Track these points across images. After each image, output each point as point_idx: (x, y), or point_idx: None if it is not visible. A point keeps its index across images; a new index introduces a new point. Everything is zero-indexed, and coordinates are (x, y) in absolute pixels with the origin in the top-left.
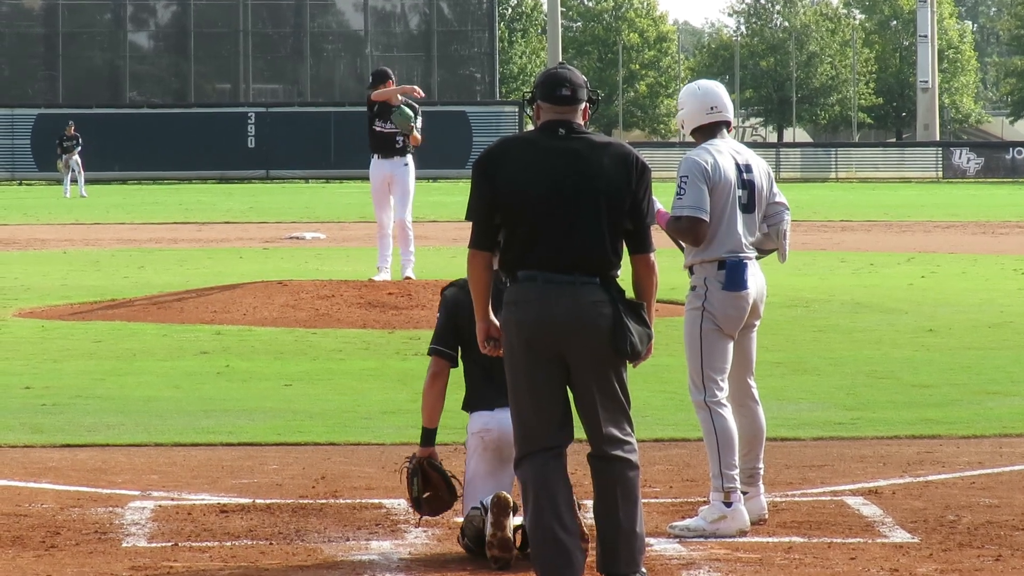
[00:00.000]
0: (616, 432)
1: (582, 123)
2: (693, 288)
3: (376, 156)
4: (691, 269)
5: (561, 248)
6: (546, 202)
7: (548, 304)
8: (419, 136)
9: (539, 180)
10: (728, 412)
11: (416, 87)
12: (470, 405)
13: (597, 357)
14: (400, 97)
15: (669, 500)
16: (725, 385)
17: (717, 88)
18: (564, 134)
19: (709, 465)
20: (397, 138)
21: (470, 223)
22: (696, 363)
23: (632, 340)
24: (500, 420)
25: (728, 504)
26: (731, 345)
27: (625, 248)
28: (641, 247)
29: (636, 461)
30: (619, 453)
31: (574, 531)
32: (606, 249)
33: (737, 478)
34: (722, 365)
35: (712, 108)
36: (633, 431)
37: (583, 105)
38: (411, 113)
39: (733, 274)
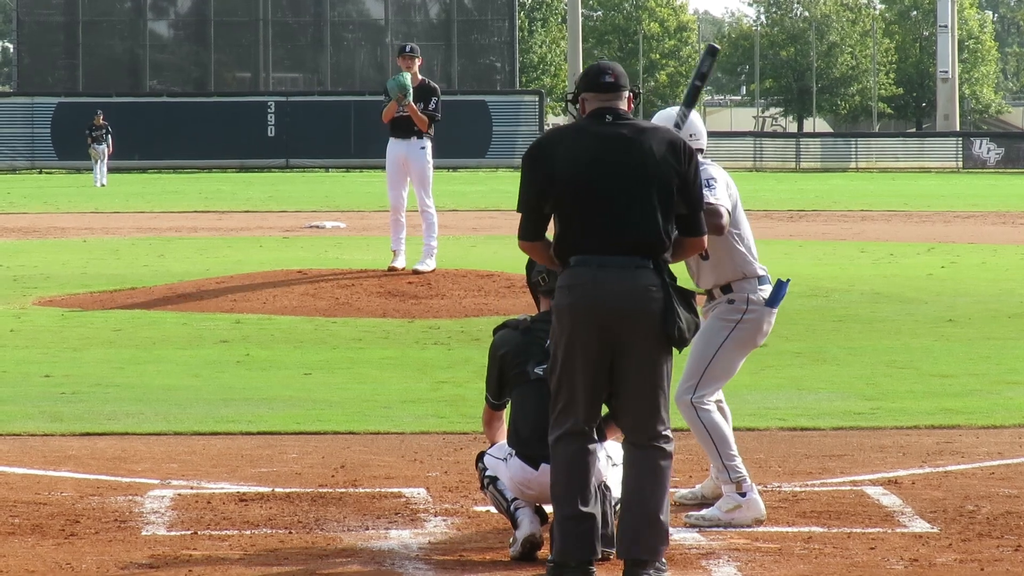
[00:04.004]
0: (654, 421)
1: (627, 111)
2: (731, 302)
3: (392, 138)
4: (728, 287)
5: (614, 232)
6: (597, 187)
7: (601, 287)
8: (413, 107)
9: (590, 165)
10: (712, 407)
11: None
12: (513, 443)
13: (646, 342)
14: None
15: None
16: (716, 395)
17: (695, 117)
18: (611, 120)
19: (711, 463)
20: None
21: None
22: (700, 366)
23: (680, 326)
24: (542, 483)
25: (742, 494)
26: (742, 363)
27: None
28: (694, 230)
29: (671, 451)
30: (656, 443)
31: (596, 515)
32: (659, 232)
33: (742, 467)
34: (724, 378)
35: (691, 136)
36: (670, 420)
37: (627, 93)
38: (406, 82)
39: (778, 291)
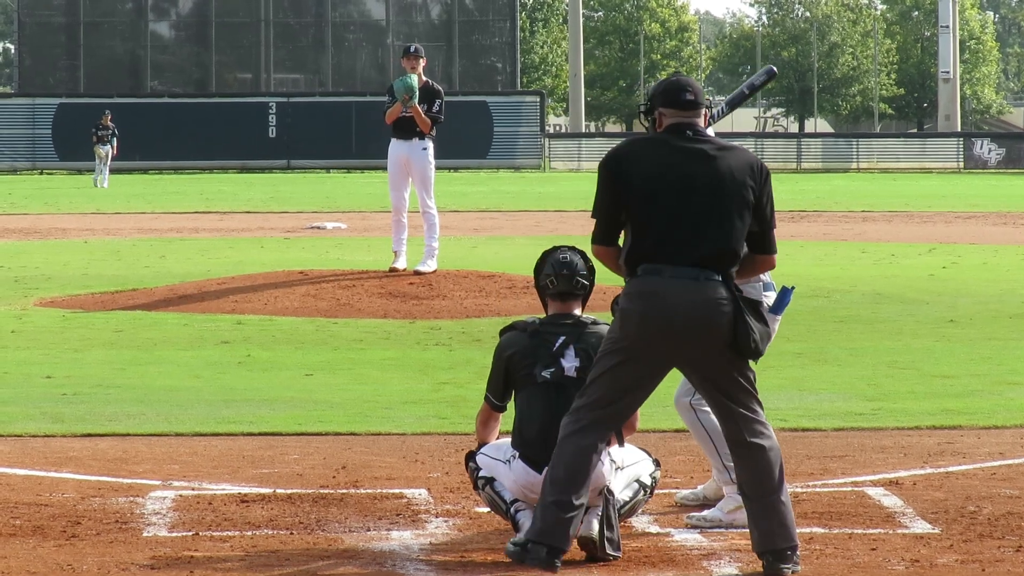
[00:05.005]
0: (749, 415)
1: (704, 127)
2: None
3: (394, 139)
4: None
5: (689, 244)
6: (676, 199)
7: (672, 297)
8: (418, 109)
9: (671, 178)
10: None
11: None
12: (517, 445)
13: (714, 355)
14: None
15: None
16: None
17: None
18: (692, 136)
19: (711, 463)
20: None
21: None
22: None
23: (754, 338)
24: None
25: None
26: None
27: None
28: (766, 248)
29: (773, 443)
30: (757, 440)
31: (582, 509)
32: (733, 247)
33: None
34: None
35: None
36: (762, 408)
37: (704, 110)
38: (413, 84)
39: (783, 298)
